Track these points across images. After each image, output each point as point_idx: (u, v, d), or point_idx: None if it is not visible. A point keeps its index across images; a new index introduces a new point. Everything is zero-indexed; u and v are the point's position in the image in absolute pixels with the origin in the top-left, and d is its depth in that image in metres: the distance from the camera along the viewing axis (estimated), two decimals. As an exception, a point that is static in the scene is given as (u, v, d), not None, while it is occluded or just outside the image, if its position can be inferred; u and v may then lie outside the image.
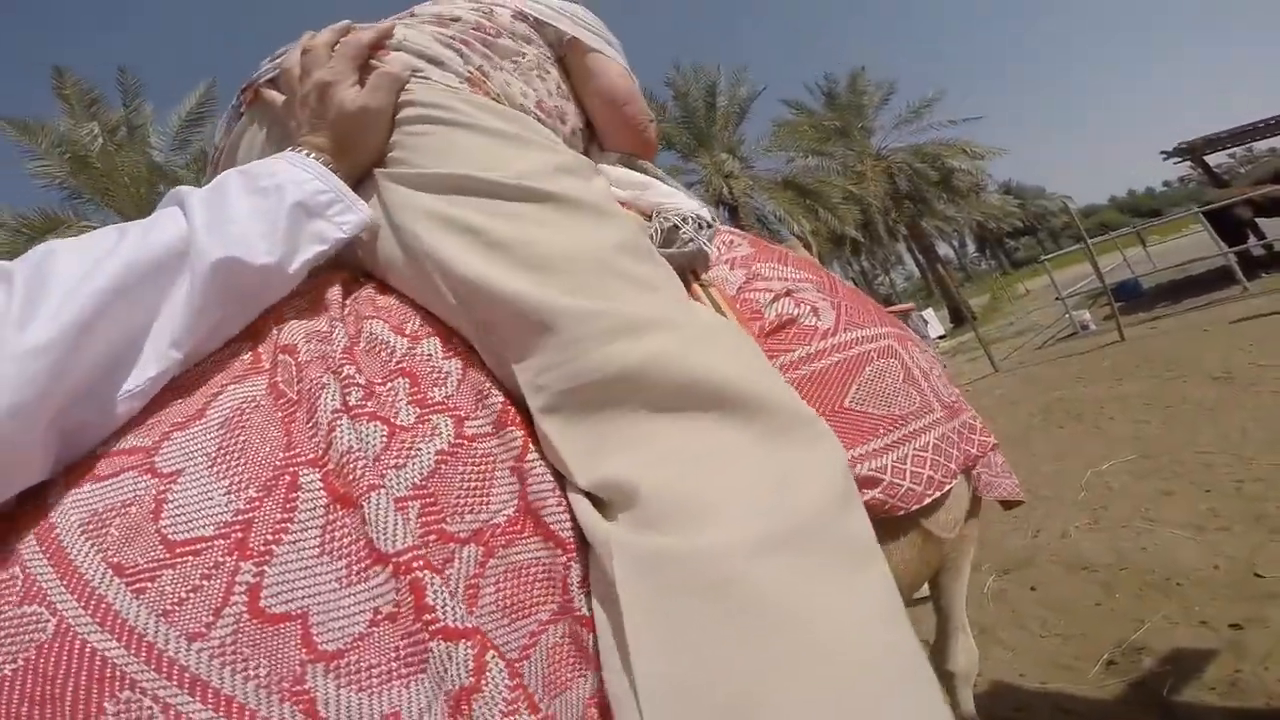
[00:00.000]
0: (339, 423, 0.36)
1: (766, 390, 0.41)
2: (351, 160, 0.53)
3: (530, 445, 0.40)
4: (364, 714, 0.29)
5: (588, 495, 0.38)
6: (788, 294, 0.64)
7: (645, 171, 0.80)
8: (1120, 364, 4.53)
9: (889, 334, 0.67)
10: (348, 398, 0.39)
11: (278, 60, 0.62)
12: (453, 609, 0.31)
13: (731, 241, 0.74)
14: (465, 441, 0.39)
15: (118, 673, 0.28)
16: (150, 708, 0.27)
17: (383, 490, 0.34)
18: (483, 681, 0.30)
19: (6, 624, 0.29)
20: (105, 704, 0.27)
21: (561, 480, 0.40)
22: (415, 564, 0.32)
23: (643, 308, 0.44)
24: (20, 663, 0.28)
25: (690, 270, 0.64)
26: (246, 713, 0.28)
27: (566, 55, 0.84)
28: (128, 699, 0.27)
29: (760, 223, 15.07)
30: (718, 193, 14.94)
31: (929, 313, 12.84)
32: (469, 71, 0.64)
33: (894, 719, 0.30)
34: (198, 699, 0.28)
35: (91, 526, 0.32)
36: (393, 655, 0.30)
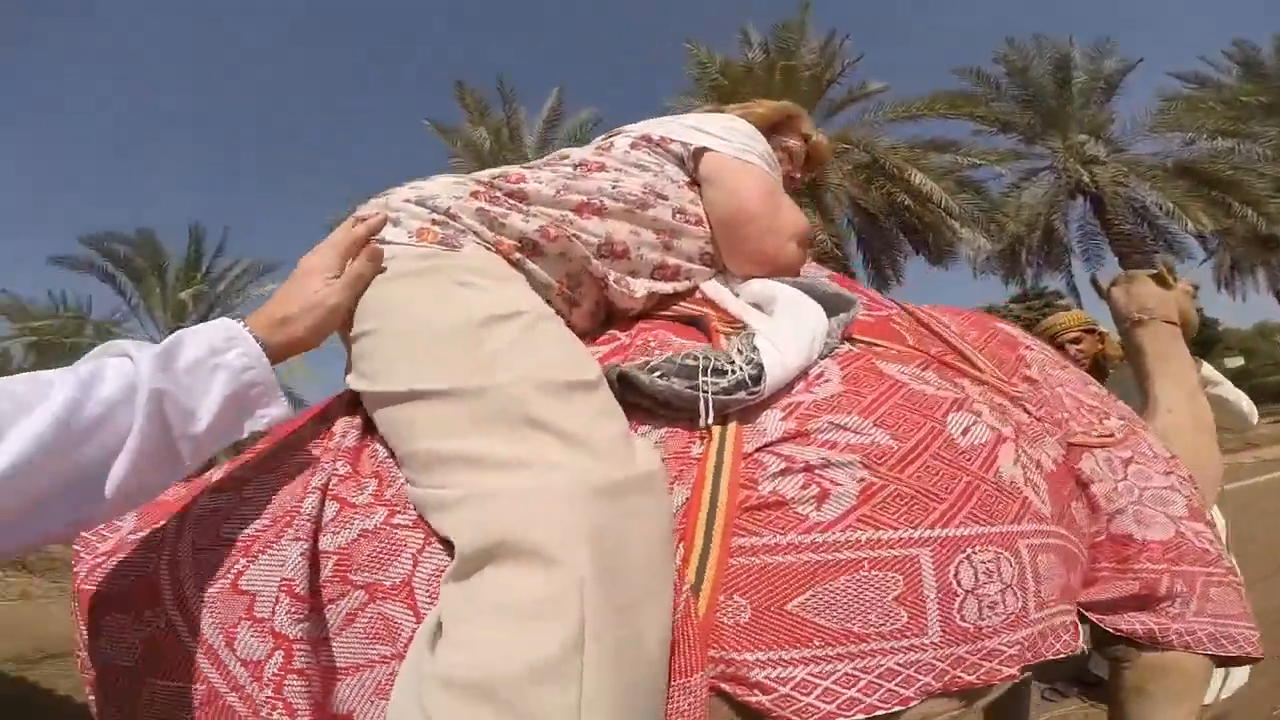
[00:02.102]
0: (311, 496, 0.57)
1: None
2: (294, 335, 0.61)
3: (433, 540, 0.54)
4: None
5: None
6: (807, 469, 0.60)
7: (808, 288, 0.79)
8: None
9: (940, 539, 0.58)
10: (329, 481, 0.59)
11: None
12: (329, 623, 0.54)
13: (820, 375, 0.69)
14: (388, 527, 0.56)
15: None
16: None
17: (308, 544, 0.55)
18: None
19: None
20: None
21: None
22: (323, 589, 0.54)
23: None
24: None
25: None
26: None
27: (697, 168, 0.86)
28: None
29: (1139, 217, 11.69)
30: (1075, 181, 12.06)
31: None
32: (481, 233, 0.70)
33: None
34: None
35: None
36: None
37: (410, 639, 0.50)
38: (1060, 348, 2.37)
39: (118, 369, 0.50)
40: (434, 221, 0.68)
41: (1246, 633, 0.89)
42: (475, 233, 0.68)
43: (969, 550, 0.58)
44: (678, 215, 0.83)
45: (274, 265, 17.57)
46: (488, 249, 0.68)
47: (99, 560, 0.63)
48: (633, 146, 0.90)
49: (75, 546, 0.66)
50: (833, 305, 0.78)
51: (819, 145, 1.17)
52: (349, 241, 0.65)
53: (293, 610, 0.52)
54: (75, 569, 0.62)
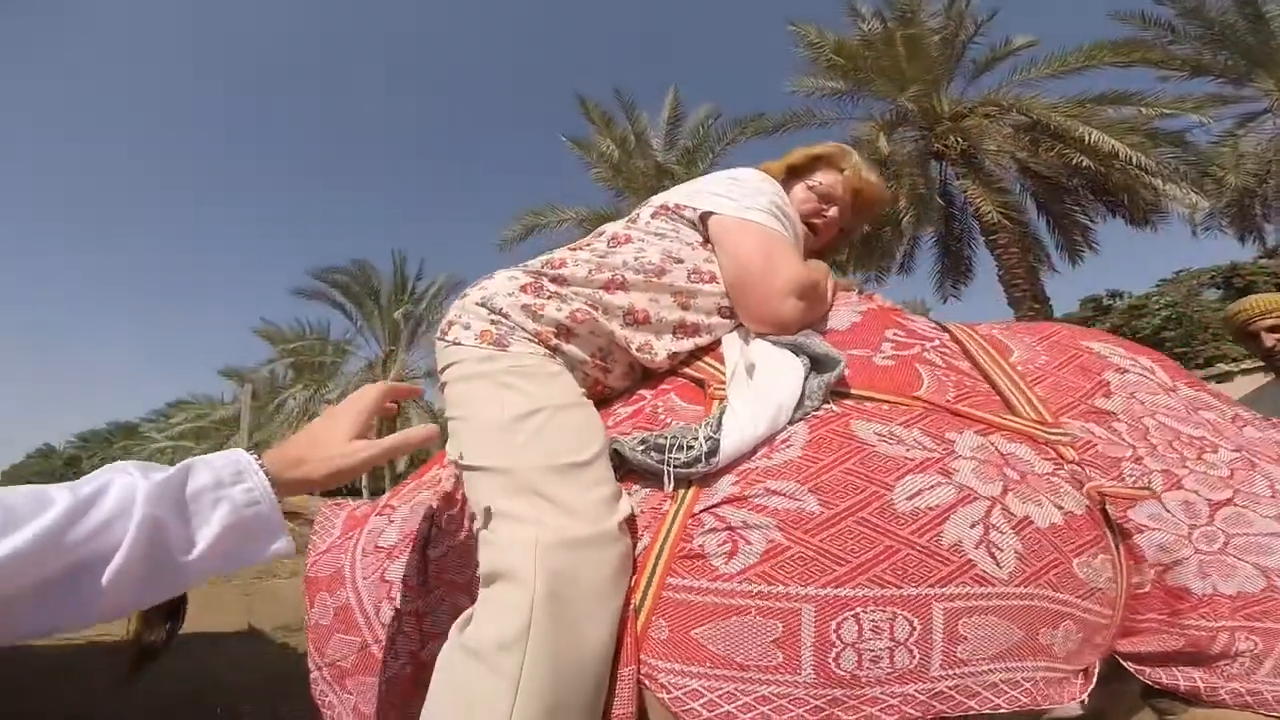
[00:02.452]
0: (424, 523, 0.95)
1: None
2: (308, 477, 0.69)
3: None
4: None
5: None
6: (729, 529, 0.72)
7: (798, 348, 0.90)
8: None
9: (827, 598, 0.67)
10: (435, 512, 0.95)
11: None
12: None
13: (786, 440, 0.79)
14: (464, 546, 0.88)
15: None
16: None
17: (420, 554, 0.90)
18: None
19: None
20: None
21: None
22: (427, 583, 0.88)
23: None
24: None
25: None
26: None
27: (706, 231, 1.01)
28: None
29: None
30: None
31: None
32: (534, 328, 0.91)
33: None
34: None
35: None
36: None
37: None
38: (1253, 336, 2.07)
39: (120, 492, 0.55)
40: (492, 322, 0.88)
41: None
42: (522, 327, 0.88)
43: (858, 609, 0.66)
44: (693, 276, 0.95)
45: (462, 280, 20.41)
46: (530, 341, 0.88)
47: (318, 556, 1.00)
48: (654, 216, 1.03)
49: (310, 540, 1.03)
50: (821, 364, 0.86)
51: (868, 185, 1.19)
52: (369, 409, 0.78)
53: (408, 597, 0.85)
54: (307, 560, 1.02)
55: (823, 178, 1.18)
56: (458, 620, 0.71)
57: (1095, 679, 0.80)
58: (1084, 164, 9.06)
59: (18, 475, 52.59)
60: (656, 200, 1.08)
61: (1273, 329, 2.01)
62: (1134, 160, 8.60)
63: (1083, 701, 0.74)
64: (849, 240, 1.35)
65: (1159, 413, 0.90)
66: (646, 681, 0.69)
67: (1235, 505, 0.82)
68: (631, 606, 0.71)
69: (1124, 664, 0.79)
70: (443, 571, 0.86)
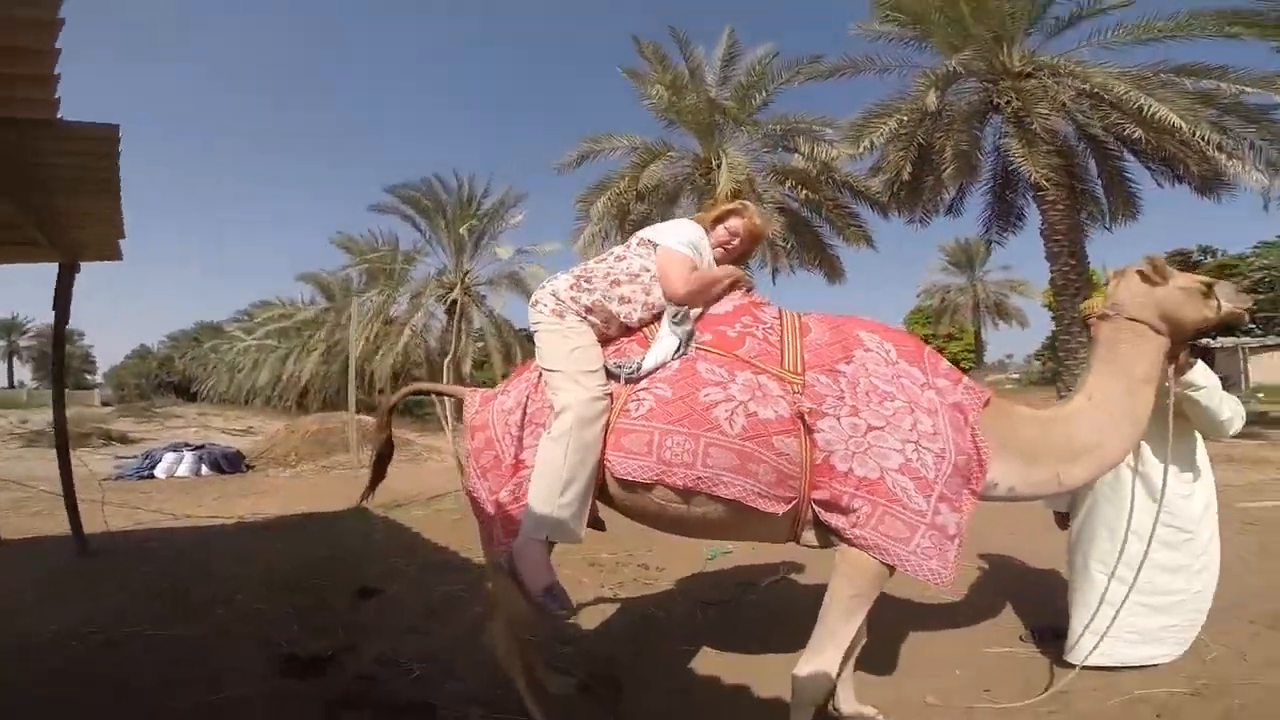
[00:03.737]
0: (524, 389, 1.97)
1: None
2: None
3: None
4: None
5: None
6: (637, 399, 1.80)
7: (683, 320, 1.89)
8: None
9: (666, 429, 1.73)
10: (528, 387, 1.95)
11: None
12: None
13: (668, 366, 1.82)
14: (542, 400, 1.92)
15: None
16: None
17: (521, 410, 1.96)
18: None
19: None
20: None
21: None
22: (525, 423, 1.96)
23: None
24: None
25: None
26: None
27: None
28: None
29: None
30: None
31: None
32: (560, 296, 1.92)
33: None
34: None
35: None
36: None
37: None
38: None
39: None
40: (557, 302, 1.90)
41: (903, 553, 1.55)
42: (570, 306, 1.88)
43: (673, 435, 1.66)
44: (653, 279, 1.90)
45: (522, 195, 21.44)
46: (575, 312, 1.87)
47: (474, 414, 2.00)
48: (639, 244, 1.98)
49: (468, 405, 2.04)
50: (688, 337, 1.82)
51: (757, 227, 2.11)
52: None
53: (516, 434, 1.87)
54: (466, 415, 2.02)
55: (731, 223, 2.08)
56: (545, 430, 1.76)
57: (805, 522, 1.76)
58: (1135, 134, 8.92)
59: (119, 375, 57.79)
60: (641, 234, 2.03)
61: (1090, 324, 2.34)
62: (1198, 134, 8.42)
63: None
64: (751, 255, 2.30)
65: (871, 375, 1.74)
66: (606, 460, 1.75)
67: (883, 431, 1.65)
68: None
69: (815, 508, 1.70)
70: (533, 417, 1.87)
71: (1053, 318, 11.42)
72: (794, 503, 1.70)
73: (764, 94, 12.02)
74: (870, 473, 1.61)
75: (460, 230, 20.83)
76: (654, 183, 11.78)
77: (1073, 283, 10.39)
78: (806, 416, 1.66)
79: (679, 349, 1.79)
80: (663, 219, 12.82)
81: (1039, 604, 3.11)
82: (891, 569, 1.62)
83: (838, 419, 1.66)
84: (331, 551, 4.72)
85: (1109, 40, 9.68)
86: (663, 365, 1.78)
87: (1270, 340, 26.32)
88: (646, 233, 2.02)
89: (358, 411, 19.26)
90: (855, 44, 11.20)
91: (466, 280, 20.96)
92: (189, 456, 9.60)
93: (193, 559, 4.51)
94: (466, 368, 21.67)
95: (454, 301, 21.44)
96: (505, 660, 2.00)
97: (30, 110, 2.50)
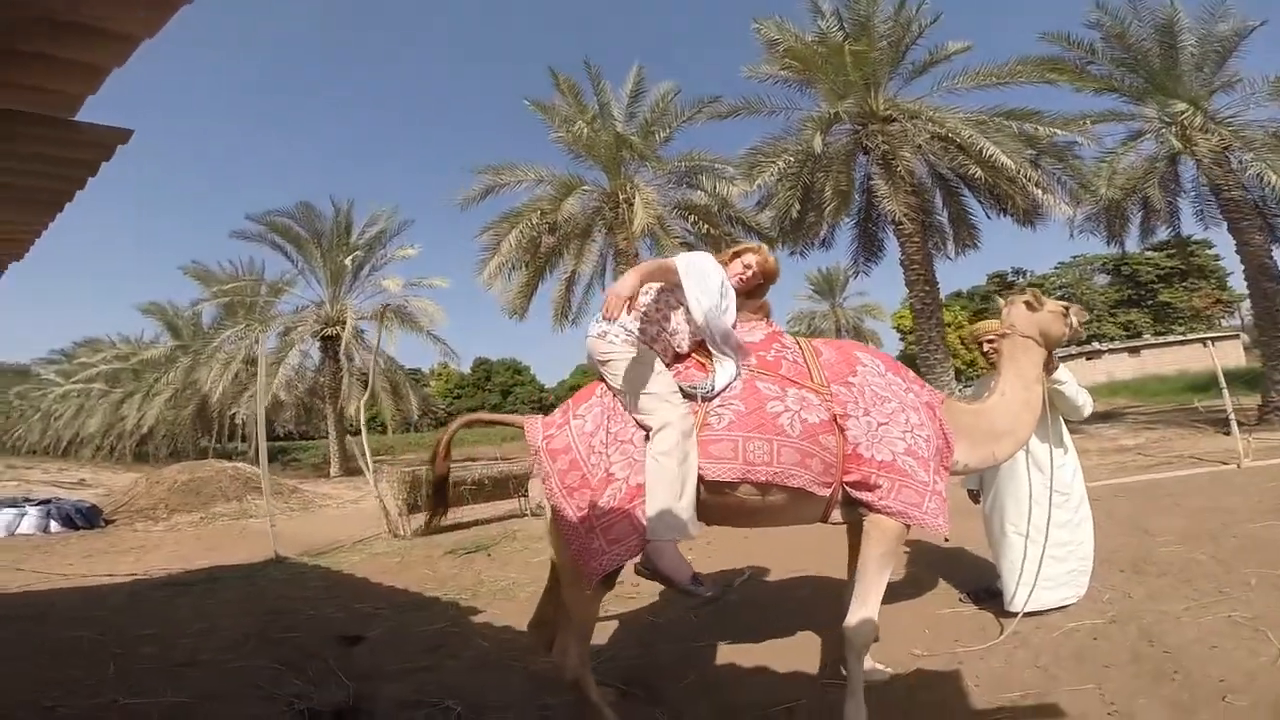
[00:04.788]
0: (599, 410, 2.21)
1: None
2: None
3: (639, 429, 2.19)
4: None
5: None
6: (717, 414, 2.14)
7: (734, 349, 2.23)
8: None
9: (746, 436, 2.07)
10: (607, 407, 2.20)
11: None
12: None
13: (731, 385, 2.16)
14: (621, 418, 2.18)
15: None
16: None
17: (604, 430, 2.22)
18: None
19: None
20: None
21: None
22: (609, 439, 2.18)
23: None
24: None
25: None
26: None
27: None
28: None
29: (1245, 190, 11.02)
30: (1171, 148, 11.65)
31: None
32: (627, 328, 2.20)
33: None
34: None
35: None
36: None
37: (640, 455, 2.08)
38: (979, 345, 3.27)
39: None
40: (628, 334, 2.18)
41: (919, 514, 2.03)
42: (640, 336, 2.18)
43: (754, 440, 2.02)
44: (687, 311, 2.19)
45: (408, 223, 20.64)
46: (643, 343, 2.17)
47: (546, 437, 2.18)
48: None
49: (532, 432, 2.21)
50: (742, 353, 2.17)
51: (771, 265, 2.47)
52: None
53: (603, 451, 2.09)
54: (536, 438, 2.18)
55: (747, 258, 2.44)
56: (647, 445, 2.00)
57: (835, 502, 2.16)
58: (977, 174, 10.71)
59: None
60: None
61: (987, 343, 3.16)
62: (1021, 173, 10.28)
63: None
64: (765, 291, 2.60)
65: (873, 385, 2.20)
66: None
67: (888, 425, 2.12)
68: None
69: (846, 489, 2.10)
70: (617, 435, 2.10)
71: (901, 338, 13.14)
72: (833, 487, 2.11)
73: (667, 130, 12.82)
74: (886, 457, 2.07)
75: (344, 260, 19.67)
76: (567, 215, 12.02)
77: (928, 306, 12.00)
78: (839, 419, 2.09)
79: (738, 371, 2.14)
80: (573, 254, 12.94)
81: (962, 573, 3.78)
82: (908, 528, 2.09)
83: (858, 419, 2.10)
84: (274, 604, 4.41)
85: (954, 85, 11.45)
86: (728, 385, 2.10)
87: (1072, 350, 31.65)
88: (682, 263, 2.31)
89: (219, 459, 17.24)
90: (743, 85, 12.28)
91: (349, 314, 19.61)
92: (33, 512, 8.51)
93: (122, 620, 4.05)
94: (351, 408, 20.21)
95: (332, 337, 20.10)
96: (579, 670, 2.13)
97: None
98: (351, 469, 21.10)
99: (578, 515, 2.02)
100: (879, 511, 2.08)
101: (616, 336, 2.15)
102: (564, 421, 2.20)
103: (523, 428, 2.27)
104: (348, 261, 19.56)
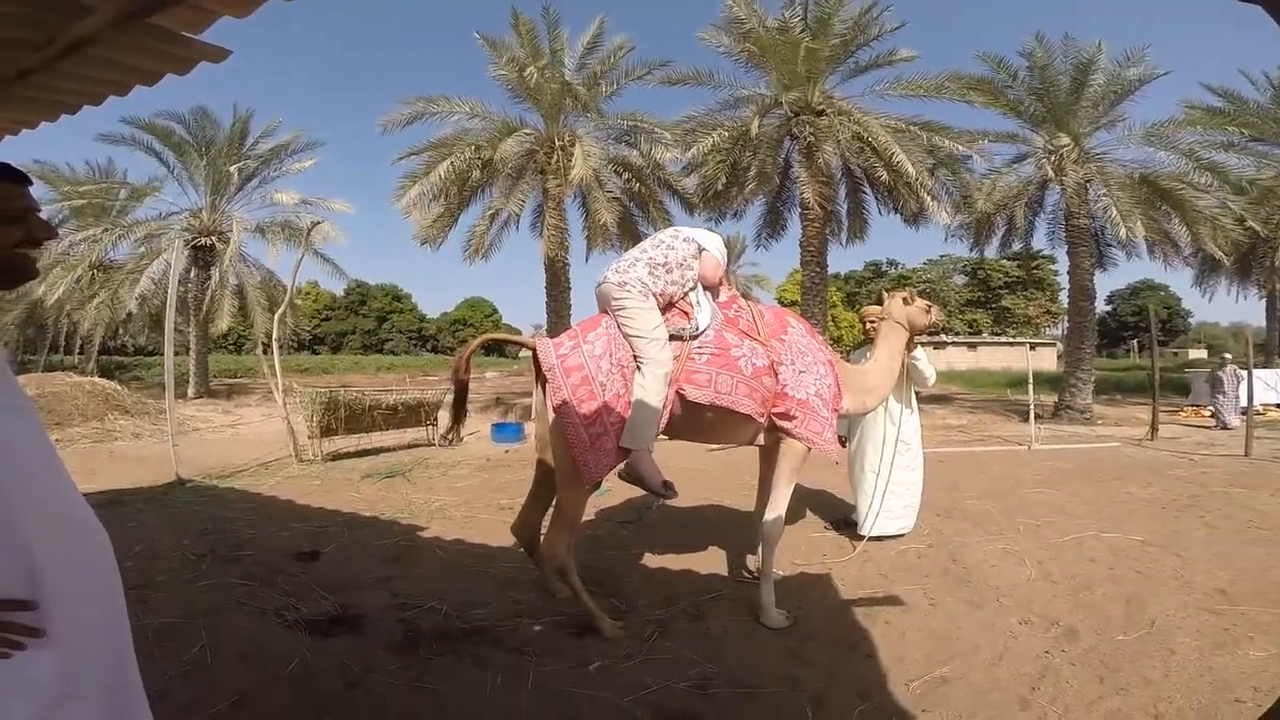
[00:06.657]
0: (606, 338, 2.74)
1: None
2: None
3: (633, 360, 2.77)
4: None
5: None
6: (698, 352, 2.80)
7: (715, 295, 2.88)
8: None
9: (715, 371, 2.77)
10: (612, 334, 2.73)
11: None
12: None
13: (706, 332, 2.84)
14: (624, 350, 2.75)
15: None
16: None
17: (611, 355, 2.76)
18: None
19: None
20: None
21: None
22: (614, 366, 2.77)
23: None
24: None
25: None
26: None
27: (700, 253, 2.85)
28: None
29: (1091, 219, 13.01)
30: (1043, 176, 13.56)
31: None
32: (645, 282, 2.73)
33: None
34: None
35: None
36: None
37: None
38: (864, 323, 4.11)
39: None
40: (644, 286, 2.68)
41: (819, 441, 2.81)
42: (651, 288, 2.69)
43: (719, 375, 2.69)
44: (691, 268, 2.78)
45: (317, 144, 19.23)
46: (653, 294, 2.69)
47: (560, 357, 2.66)
48: (683, 240, 2.83)
49: (539, 350, 2.71)
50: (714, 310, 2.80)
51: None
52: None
53: (610, 371, 2.62)
54: (550, 357, 2.66)
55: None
56: (635, 371, 2.59)
57: (761, 428, 2.89)
58: (883, 177, 11.98)
59: None
60: (684, 232, 2.89)
61: (869, 322, 3.97)
62: (919, 180, 11.61)
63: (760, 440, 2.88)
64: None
65: (798, 343, 2.90)
66: (681, 390, 2.69)
67: (805, 373, 2.84)
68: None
69: (773, 419, 2.82)
70: (619, 362, 2.61)
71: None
72: (765, 416, 2.82)
73: (615, 85, 12.85)
74: (803, 396, 2.79)
75: (230, 168, 17.68)
76: (503, 155, 11.85)
77: (816, 285, 13.28)
78: (775, 365, 2.79)
79: (711, 322, 2.76)
80: (503, 192, 12.77)
81: (826, 508, 4.90)
82: (809, 450, 2.85)
83: (787, 366, 2.80)
84: (208, 525, 4.37)
85: (885, 91, 12.37)
86: (709, 328, 2.73)
87: (926, 339, 35.65)
88: (690, 233, 2.90)
89: (65, 371, 15.31)
90: (682, 51, 12.45)
91: (236, 224, 17.76)
92: None
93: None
94: (223, 325, 18.54)
95: (205, 248, 18.24)
96: (565, 559, 2.62)
97: None
98: (213, 390, 19.70)
99: (585, 424, 2.54)
100: (794, 437, 2.81)
101: (634, 288, 2.66)
102: (576, 344, 2.70)
103: (534, 348, 2.75)
104: (233, 170, 17.60)
